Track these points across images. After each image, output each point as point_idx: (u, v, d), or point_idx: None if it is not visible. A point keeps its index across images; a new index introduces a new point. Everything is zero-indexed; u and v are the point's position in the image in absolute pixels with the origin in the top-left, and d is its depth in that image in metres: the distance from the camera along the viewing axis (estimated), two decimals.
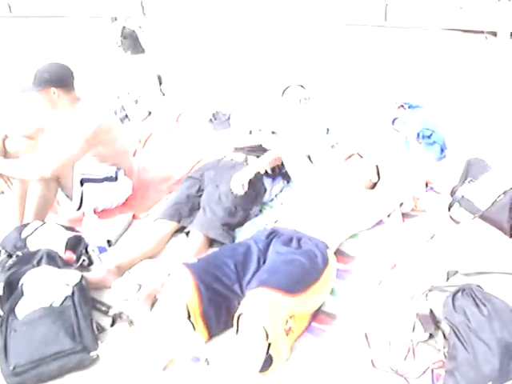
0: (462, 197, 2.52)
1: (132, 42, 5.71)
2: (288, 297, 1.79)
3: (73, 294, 2.10)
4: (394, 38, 4.74)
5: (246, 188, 2.61)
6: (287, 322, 1.82)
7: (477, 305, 1.72)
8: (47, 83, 2.64)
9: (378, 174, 2.67)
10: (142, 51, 5.76)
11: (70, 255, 2.44)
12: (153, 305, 2.17)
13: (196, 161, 3.36)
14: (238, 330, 1.76)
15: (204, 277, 1.93)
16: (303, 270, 1.98)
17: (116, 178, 2.94)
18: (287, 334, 1.83)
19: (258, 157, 2.85)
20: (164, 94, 4.51)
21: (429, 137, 3.06)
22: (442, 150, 3.08)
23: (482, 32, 4.33)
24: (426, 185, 2.79)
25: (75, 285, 2.13)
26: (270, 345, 1.74)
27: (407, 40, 4.65)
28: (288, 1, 5.18)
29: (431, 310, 1.83)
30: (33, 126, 2.92)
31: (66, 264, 2.35)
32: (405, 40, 4.66)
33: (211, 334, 1.96)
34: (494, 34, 4.29)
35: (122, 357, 1.91)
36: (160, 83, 4.53)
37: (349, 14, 4.83)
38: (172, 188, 3.02)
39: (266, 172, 2.80)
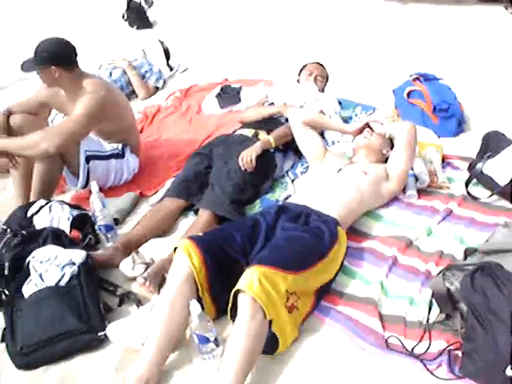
0: (481, 172, 2.43)
1: (138, 16, 5.64)
2: (285, 274, 1.75)
3: (79, 273, 2.06)
4: (409, 10, 4.60)
5: (254, 164, 2.54)
6: (288, 298, 1.77)
7: (497, 284, 1.64)
8: (47, 62, 2.56)
9: (392, 147, 2.59)
10: (149, 26, 5.67)
11: (76, 234, 2.40)
12: (161, 284, 2.14)
13: (205, 136, 3.29)
14: (233, 309, 1.73)
15: (210, 250, 1.88)
16: (306, 248, 1.93)
17: (123, 155, 2.88)
18: (290, 312, 1.78)
19: (268, 132, 2.77)
20: (172, 69, 4.42)
21: (446, 110, 2.96)
22: (460, 124, 2.98)
23: (502, 1, 4.18)
24: (443, 160, 2.69)
25: (81, 264, 2.09)
26: (271, 323, 1.70)
27: (423, 12, 4.51)
28: None
29: (448, 290, 1.76)
30: (36, 101, 2.85)
31: (72, 243, 2.30)
32: (420, 12, 4.53)
33: (218, 311, 1.91)
34: None
35: (130, 338, 1.88)
36: (168, 58, 4.43)
37: None
38: (180, 165, 2.94)
39: (277, 147, 2.73)
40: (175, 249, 1.93)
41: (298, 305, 1.82)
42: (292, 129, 2.72)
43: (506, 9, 4.24)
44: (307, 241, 1.95)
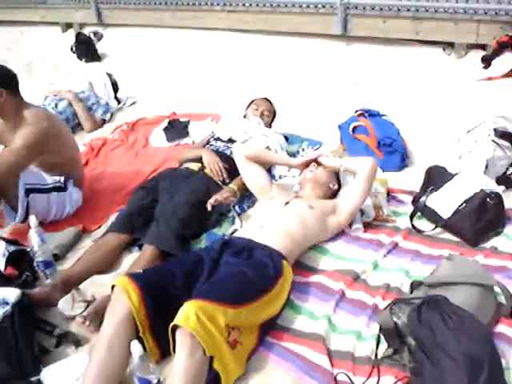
0: (425, 205, 2.48)
1: (87, 49, 5.58)
2: (224, 307, 1.70)
3: (12, 313, 1.93)
4: (353, 50, 4.75)
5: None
6: (230, 333, 1.71)
7: (443, 318, 1.65)
8: None
9: (339, 182, 2.61)
10: (98, 59, 5.62)
11: (11, 271, 2.27)
12: (101, 323, 2.02)
13: (151, 170, 3.23)
14: (173, 345, 1.66)
15: (149, 287, 1.81)
16: (248, 282, 1.89)
17: (65, 188, 2.78)
18: (233, 348, 1.72)
19: None
20: (119, 102, 4.36)
21: (389, 145, 3.02)
22: (403, 159, 3.05)
23: (439, 44, 4.40)
24: (388, 194, 2.73)
25: (15, 303, 1.96)
26: (212, 360, 1.63)
27: (366, 52, 4.67)
28: (248, 12, 5.13)
29: (396, 324, 1.75)
30: None
31: (7, 280, 2.18)
32: (364, 52, 4.68)
33: (163, 351, 1.83)
34: (452, 45, 4.36)
35: (66, 382, 1.76)
36: (116, 91, 4.37)
37: (307, 25, 4.84)
38: (125, 199, 2.86)
39: (223, 181, 2.71)
40: (113, 286, 1.85)
41: (241, 340, 1.77)
42: (237, 164, 2.70)
43: (444, 50, 4.46)
44: (248, 275, 1.91)
